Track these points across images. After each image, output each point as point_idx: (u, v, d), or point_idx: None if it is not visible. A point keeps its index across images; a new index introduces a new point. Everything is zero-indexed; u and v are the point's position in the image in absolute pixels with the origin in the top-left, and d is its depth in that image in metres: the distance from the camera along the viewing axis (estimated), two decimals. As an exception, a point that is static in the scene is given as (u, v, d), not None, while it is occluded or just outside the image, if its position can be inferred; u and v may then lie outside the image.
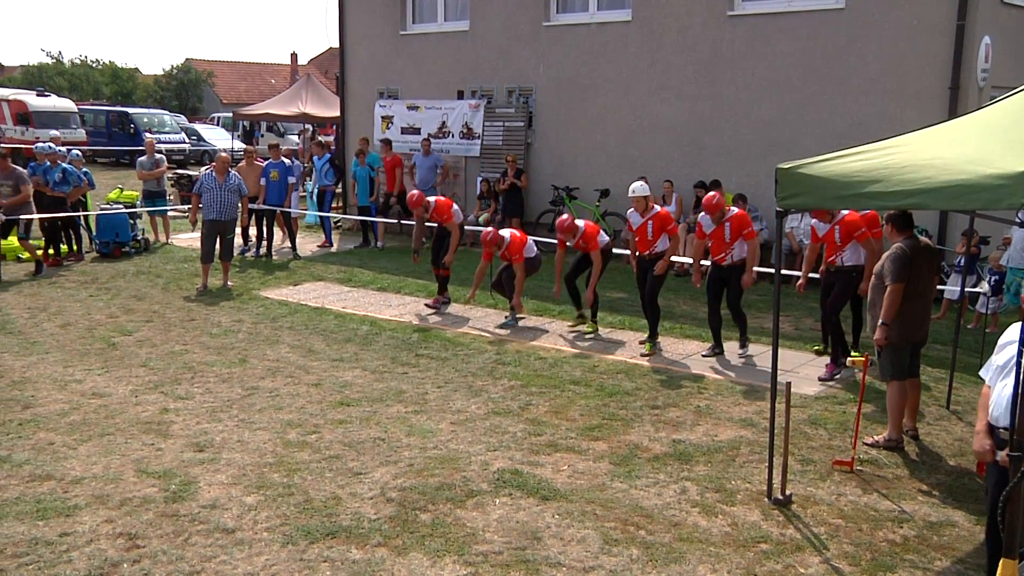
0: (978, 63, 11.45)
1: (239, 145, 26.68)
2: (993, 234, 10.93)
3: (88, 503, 5.36)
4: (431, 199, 10.78)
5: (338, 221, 17.56)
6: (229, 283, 12.08)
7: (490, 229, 9.91)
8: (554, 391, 7.66)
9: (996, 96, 5.58)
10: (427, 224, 11.12)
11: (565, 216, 9.50)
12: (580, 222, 9.50)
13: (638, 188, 8.96)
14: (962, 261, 9.07)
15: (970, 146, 4.76)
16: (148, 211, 15.25)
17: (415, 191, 10.98)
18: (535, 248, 10.10)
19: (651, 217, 8.90)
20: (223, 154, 12.74)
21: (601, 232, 9.57)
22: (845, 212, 8.12)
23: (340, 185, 18.10)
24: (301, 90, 22.73)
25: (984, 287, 10.15)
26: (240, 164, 14.09)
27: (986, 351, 8.61)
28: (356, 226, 16.61)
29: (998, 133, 4.80)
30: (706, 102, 13.65)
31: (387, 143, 16.11)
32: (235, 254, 13.16)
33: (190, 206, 13.61)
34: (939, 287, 9.70)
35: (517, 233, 10.05)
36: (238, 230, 14.52)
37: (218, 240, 11.98)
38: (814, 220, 8.47)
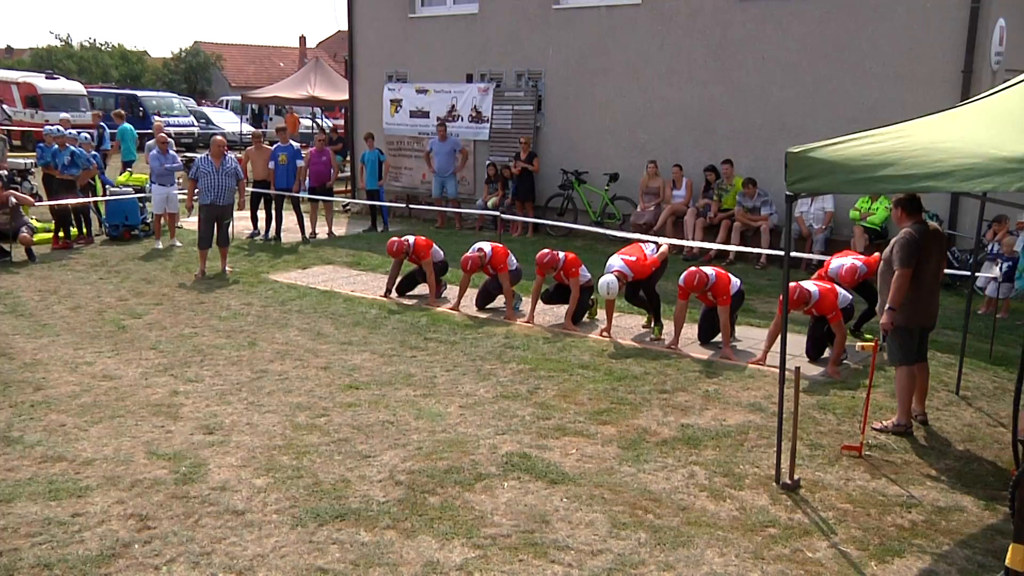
0: (992, 46, 11.32)
1: (248, 128, 26.68)
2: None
3: (99, 484, 5.40)
4: (411, 239, 10.39)
5: (347, 205, 17.54)
6: (227, 269, 11.81)
7: (468, 255, 9.80)
8: (563, 375, 7.67)
9: (1010, 80, 5.52)
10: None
11: (546, 251, 9.42)
12: (560, 254, 9.32)
13: None
14: (994, 249, 9.07)
15: (981, 129, 4.73)
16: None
17: (394, 239, 10.48)
18: (515, 261, 10.03)
19: None
20: (218, 137, 12.53)
21: (583, 267, 9.38)
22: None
23: (348, 168, 18.03)
24: (310, 73, 22.71)
25: (995, 272, 10.10)
26: (249, 148, 14.01)
27: (996, 337, 8.67)
28: (365, 210, 16.61)
29: (1010, 117, 4.77)
30: (716, 86, 13.56)
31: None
32: (245, 238, 13.16)
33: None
34: (950, 271, 9.67)
35: (499, 245, 10.01)
36: (247, 214, 14.55)
37: (216, 225, 11.65)
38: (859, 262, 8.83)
